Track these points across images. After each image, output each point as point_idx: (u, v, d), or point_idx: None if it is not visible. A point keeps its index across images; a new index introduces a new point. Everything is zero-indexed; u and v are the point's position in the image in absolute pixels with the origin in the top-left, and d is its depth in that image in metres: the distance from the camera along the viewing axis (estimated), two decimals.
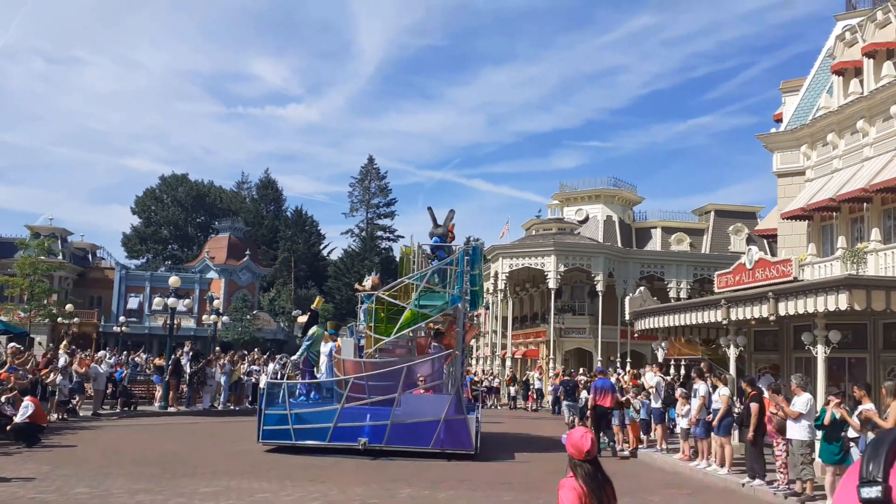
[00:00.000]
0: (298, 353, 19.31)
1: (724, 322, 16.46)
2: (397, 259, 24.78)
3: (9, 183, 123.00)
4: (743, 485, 12.96)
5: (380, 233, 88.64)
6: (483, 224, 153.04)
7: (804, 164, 22.44)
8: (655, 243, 47.50)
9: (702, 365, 16.30)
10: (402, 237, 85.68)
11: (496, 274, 43.27)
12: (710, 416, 14.59)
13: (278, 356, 30.08)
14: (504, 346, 44.66)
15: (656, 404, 17.41)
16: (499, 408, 34.71)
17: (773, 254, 25.06)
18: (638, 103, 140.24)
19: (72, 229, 64.85)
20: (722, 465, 14.25)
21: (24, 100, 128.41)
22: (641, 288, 24.69)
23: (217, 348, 32.25)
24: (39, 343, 45.68)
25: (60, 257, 57.70)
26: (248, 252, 67.54)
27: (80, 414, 21.70)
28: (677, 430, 16.71)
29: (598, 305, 41.34)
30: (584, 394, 20.78)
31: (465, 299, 16.94)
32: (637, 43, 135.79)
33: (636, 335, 27.59)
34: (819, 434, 11.60)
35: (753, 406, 12.99)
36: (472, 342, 47.68)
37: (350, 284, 56.25)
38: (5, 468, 12.38)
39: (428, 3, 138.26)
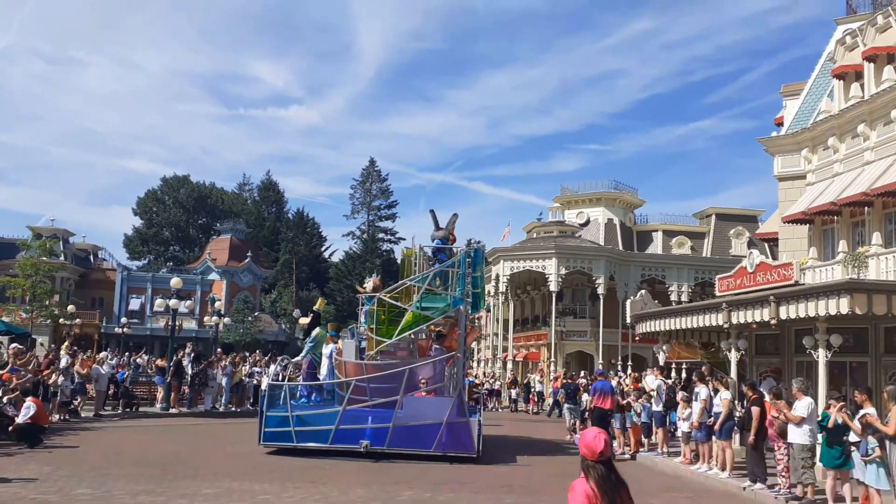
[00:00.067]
0: (302, 355, 19.33)
1: (726, 325, 16.48)
2: (398, 261, 24.77)
3: (9, 183, 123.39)
4: (744, 489, 12.97)
5: (381, 235, 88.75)
6: (484, 227, 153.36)
7: (805, 168, 22.46)
8: (656, 246, 47.53)
9: (703, 368, 16.31)
10: (404, 239, 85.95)
11: (497, 276, 43.30)
12: (712, 419, 14.60)
13: (279, 358, 30.06)
14: (505, 349, 44.67)
15: (657, 407, 17.41)
16: (500, 410, 34.70)
17: (775, 257, 25.08)
18: (638, 107, 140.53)
19: (73, 230, 65.10)
20: (723, 468, 14.26)
21: (24, 100, 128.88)
22: (642, 291, 24.72)
23: (218, 350, 32.24)
24: (41, 344, 45.73)
25: (62, 258, 57.79)
26: (249, 254, 67.61)
27: (82, 415, 21.73)
28: (678, 433, 16.72)
29: (599, 308, 41.36)
30: (585, 397, 20.79)
31: (466, 301, 16.96)
32: (636, 47, 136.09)
33: (637, 338, 27.60)
34: (820, 438, 11.62)
35: (755, 410, 13.00)
36: (474, 345, 47.69)
37: (351, 286, 56.36)
38: (7, 469, 12.41)
39: (427, 5, 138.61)
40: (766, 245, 34.62)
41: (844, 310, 12.70)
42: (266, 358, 32.05)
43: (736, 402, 14.97)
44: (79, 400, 22.14)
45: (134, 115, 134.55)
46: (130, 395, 24.70)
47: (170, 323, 26.75)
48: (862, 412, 10.83)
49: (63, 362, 21.39)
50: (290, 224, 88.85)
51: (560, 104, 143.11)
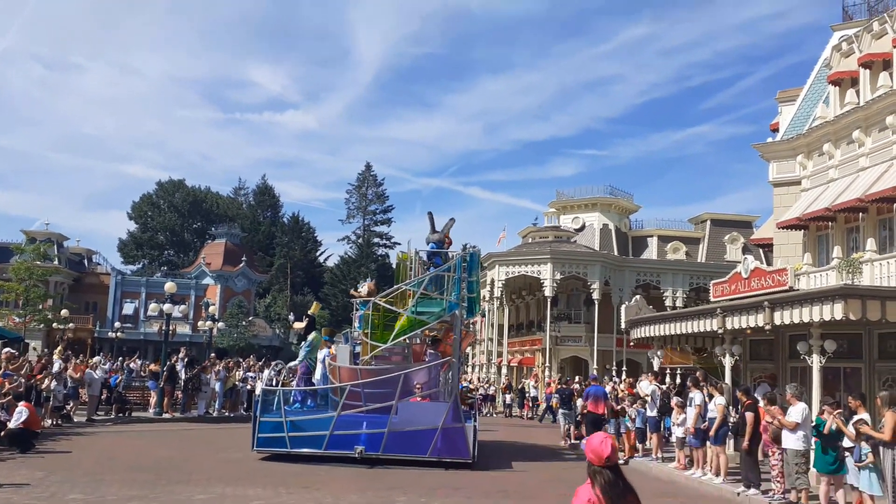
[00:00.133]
0: (298, 359, 19.24)
1: (720, 331, 16.48)
2: (394, 266, 24.74)
3: (6, 187, 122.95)
4: (738, 494, 12.95)
5: (376, 240, 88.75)
6: (480, 232, 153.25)
7: (800, 174, 22.52)
8: (652, 252, 47.60)
9: (697, 374, 16.30)
10: (399, 244, 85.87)
11: (492, 281, 43.30)
12: (706, 424, 14.59)
13: (274, 363, 29.97)
14: (500, 354, 44.64)
15: (652, 413, 17.40)
16: (494, 416, 34.66)
17: (769, 263, 25.12)
18: (634, 112, 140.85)
19: (68, 234, 64.79)
20: (717, 474, 14.24)
21: (23, 105, 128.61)
22: (637, 296, 24.76)
23: (212, 354, 32.20)
24: (34, 348, 45.51)
25: (56, 262, 57.61)
26: (244, 258, 67.48)
27: (75, 420, 21.61)
28: (673, 438, 16.70)
29: (594, 314, 41.39)
30: (580, 402, 20.78)
31: (461, 306, 16.94)
32: (633, 53, 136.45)
33: (632, 344, 27.61)
34: (814, 443, 11.61)
35: (749, 415, 12.99)
36: (468, 350, 47.66)
37: (346, 291, 56.28)
38: None
39: (425, 11, 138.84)
40: (760, 251, 34.73)
41: (839, 315, 12.71)
42: (260, 363, 31.97)
43: (730, 407, 14.97)
44: (71, 405, 22.03)
45: (132, 120, 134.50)
46: (123, 400, 24.60)
47: (163, 327, 26.68)
48: (856, 418, 10.84)
49: (56, 367, 21.29)
50: (285, 228, 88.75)
51: (557, 109, 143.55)
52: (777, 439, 12.20)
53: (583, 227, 47.11)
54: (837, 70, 21.15)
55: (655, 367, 21.75)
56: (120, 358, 36.02)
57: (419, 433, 15.45)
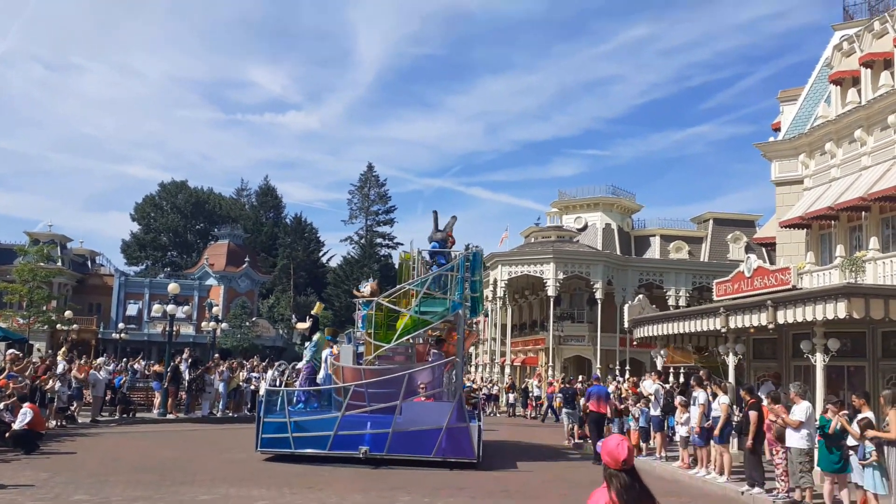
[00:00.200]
0: (305, 360, 19.24)
1: (723, 330, 16.48)
2: (396, 266, 24.75)
3: (8, 189, 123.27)
4: (742, 493, 12.96)
5: (379, 240, 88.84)
6: (482, 232, 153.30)
7: (802, 173, 22.50)
8: (654, 251, 47.58)
9: (701, 373, 16.30)
10: (402, 244, 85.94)
11: (495, 281, 43.31)
12: (710, 423, 14.59)
13: (277, 363, 30.02)
14: (503, 354, 44.65)
15: (655, 412, 17.39)
16: (498, 415, 34.67)
17: (772, 262, 25.11)
18: (635, 112, 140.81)
19: (71, 236, 64.95)
20: (721, 473, 14.25)
21: (23, 106, 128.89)
22: (640, 296, 24.76)
23: (216, 355, 32.23)
24: (38, 350, 45.63)
25: (59, 264, 57.72)
26: (247, 259, 67.58)
27: (79, 421, 21.66)
28: (676, 437, 16.71)
29: (597, 313, 41.39)
30: (583, 401, 20.77)
31: (465, 306, 16.94)
32: (633, 53, 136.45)
33: (635, 343, 27.59)
34: (818, 442, 11.61)
35: (752, 414, 12.99)
36: (472, 349, 47.67)
37: (349, 291, 56.30)
38: (3, 475, 12.36)
39: (426, 12, 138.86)
40: (763, 250, 34.67)
41: (842, 314, 12.71)
42: (263, 363, 32.03)
43: (734, 406, 14.97)
44: (76, 406, 22.08)
45: (132, 120, 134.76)
46: (128, 401, 24.65)
47: (167, 328, 26.72)
48: (860, 416, 10.84)
49: (60, 368, 21.35)
50: (287, 229, 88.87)
51: (558, 110, 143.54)
52: (781, 438, 12.20)
53: (585, 227, 47.10)
54: (839, 69, 21.13)
55: (659, 367, 21.74)
56: (124, 359, 36.10)
57: (424, 433, 15.44)
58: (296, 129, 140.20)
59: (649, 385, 18.20)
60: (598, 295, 41.07)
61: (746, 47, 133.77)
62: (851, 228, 20.55)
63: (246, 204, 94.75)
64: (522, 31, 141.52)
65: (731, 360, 17.01)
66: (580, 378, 30.45)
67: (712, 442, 14.58)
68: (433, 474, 14.48)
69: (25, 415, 15.59)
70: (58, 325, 45.73)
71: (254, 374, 28.70)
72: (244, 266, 66.59)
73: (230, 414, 26.25)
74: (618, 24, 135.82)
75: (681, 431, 15.86)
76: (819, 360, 14.07)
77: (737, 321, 15.80)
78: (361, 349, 17.55)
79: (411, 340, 17.42)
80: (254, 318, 65.56)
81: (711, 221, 48.57)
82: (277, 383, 23.43)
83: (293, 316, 65.28)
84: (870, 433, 10.43)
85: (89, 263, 68.33)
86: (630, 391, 19.87)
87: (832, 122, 20.90)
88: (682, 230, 49.19)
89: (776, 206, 23.85)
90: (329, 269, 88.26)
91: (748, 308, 15.47)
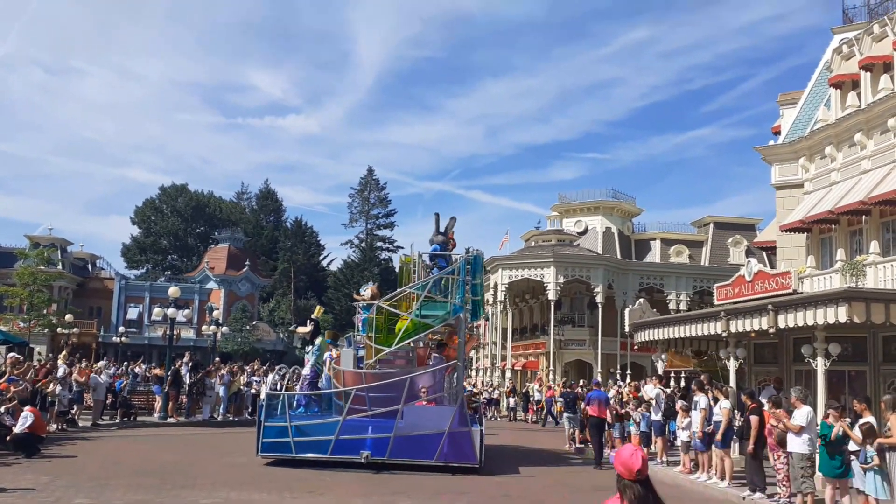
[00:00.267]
0: (309, 364, 19.22)
1: (724, 334, 16.48)
2: (397, 270, 24.73)
3: (8, 193, 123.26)
4: (744, 498, 12.95)
5: (379, 243, 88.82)
6: (482, 235, 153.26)
7: (802, 177, 22.52)
8: (655, 255, 47.59)
9: (702, 377, 16.29)
10: (402, 248, 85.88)
11: (496, 285, 43.31)
12: (711, 427, 14.59)
13: (278, 367, 30.00)
14: (504, 358, 44.64)
15: (656, 416, 17.40)
16: (498, 419, 34.63)
17: (773, 266, 25.11)
18: (636, 115, 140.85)
19: (71, 239, 64.96)
20: (722, 477, 14.24)
21: (23, 110, 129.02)
22: (641, 300, 24.72)
23: (216, 359, 32.22)
24: (39, 353, 45.64)
25: (60, 267, 57.67)
26: (247, 262, 67.57)
27: (80, 424, 21.66)
28: (677, 442, 16.70)
29: (597, 317, 41.38)
30: (583, 406, 20.76)
31: (466, 309, 16.93)
32: (633, 56, 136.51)
33: (636, 347, 27.62)
34: (819, 447, 11.60)
35: (753, 419, 12.99)
36: (472, 353, 47.66)
37: (349, 295, 56.28)
38: (4, 479, 12.36)
39: (426, 15, 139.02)
40: (764, 254, 34.71)
41: (843, 318, 12.71)
42: (264, 367, 32.02)
43: (735, 411, 14.96)
44: (76, 409, 22.08)
45: (133, 124, 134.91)
46: (128, 405, 24.64)
47: (168, 332, 26.71)
48: (862, 421, 10.83)
49: (61, 371, 21.35)
50: (288, 233, 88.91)
51: (558, 113, 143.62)
52: (782, 443, 12.19)
53: (585, 231, 47.11)
54: (838, 73, 21.14)
55: (660, 371, 21.74)
56: (124, 362, 36.07)
57: (425, 437, 15.40)
58: (296, 133, 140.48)
59: (650, 389, 18.20)
60: (599, 299, 41.08)
61: (747, 50, 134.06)
62: (852, 232, 20.55)
63: (246, 207, 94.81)
64: (523, 34, 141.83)
65: (732, 365, 17.00)
66: (581, 382, 30.45)
67: (714, 447, 14.58)
68: (435, 479, 14.47)
69: (26, 418, 15.59)
70: (58, 329, 45.66)
71: (254, 378, 28.68)
72: (244, 270, 66.59)
73: (231, 418, 26.23)
74: (618, 27, 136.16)
75: (682, 436, 15.84)
76: (820, 365, 14.06)
77: (737, 325, 15.79)
78: (362, 353, 17.54)
79: (412, 344, 17.40)
80: (254, 322, 65.54)
81: (712, 225, 48.58)
82: (278, 387, 23.41)
83: (294, 319, 65.27)
84: (876, 442, 10.40)
85: (90, 267, 68.30)
86: (631, 395, 19.86)
87: (832, 125, 20.92)
88: (682, 234, 49.20)
89: (776, 210, 23.86)
90: (329, 272, 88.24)
91: (749, 312, 15.47)
